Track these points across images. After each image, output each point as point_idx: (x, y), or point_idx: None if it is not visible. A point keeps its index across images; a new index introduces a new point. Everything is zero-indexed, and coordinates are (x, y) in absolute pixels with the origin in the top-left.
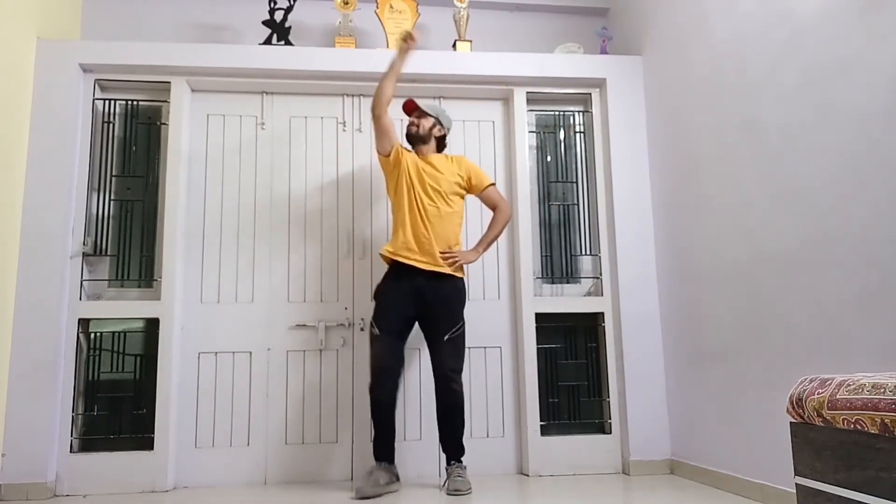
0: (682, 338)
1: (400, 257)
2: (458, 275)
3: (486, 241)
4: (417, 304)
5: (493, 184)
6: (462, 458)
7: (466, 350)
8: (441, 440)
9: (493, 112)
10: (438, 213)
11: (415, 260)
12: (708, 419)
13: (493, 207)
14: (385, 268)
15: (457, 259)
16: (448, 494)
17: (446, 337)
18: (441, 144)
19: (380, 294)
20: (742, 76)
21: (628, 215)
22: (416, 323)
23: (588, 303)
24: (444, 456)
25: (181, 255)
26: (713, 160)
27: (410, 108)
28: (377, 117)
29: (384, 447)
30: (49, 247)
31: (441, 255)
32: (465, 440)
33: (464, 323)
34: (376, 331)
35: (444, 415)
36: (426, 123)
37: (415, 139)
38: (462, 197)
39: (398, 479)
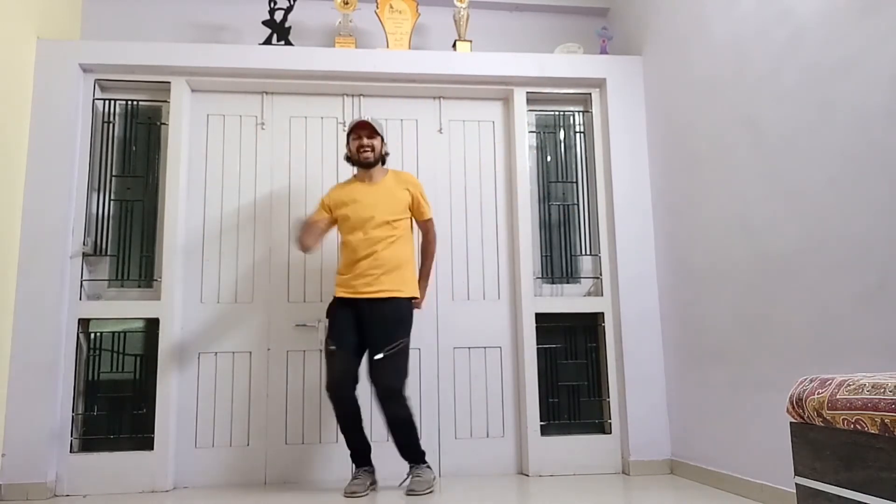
0: (682, 338)
1: (340, 292)
2: (402, 295)
3: (426, 278)
4: (358, 323)
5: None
6: (423, 460)
7: (466, 350)
8: (397, 448)
9: (493, 112)
10: (377, 241)
11: (348, 293)
12: (708, 419)
13: (426, 233)
14: None
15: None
16: (406, 495)
17: (381, 354)
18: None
19: (329, 315)
20: (742, 76)
21: (628, 215)
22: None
23: (588, 303)
24: None
25: (181, 254)
26: (713, 160)
27: (361, 125)
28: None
29: (360, 455)
30: (49, 247)
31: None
32: (466, 440)
33: (405, 340)
34: (332, 346)
35: (389, 428)
36: (378, 145)
37: (370, 165)
38: (406, 218)
39: (376, 482)
